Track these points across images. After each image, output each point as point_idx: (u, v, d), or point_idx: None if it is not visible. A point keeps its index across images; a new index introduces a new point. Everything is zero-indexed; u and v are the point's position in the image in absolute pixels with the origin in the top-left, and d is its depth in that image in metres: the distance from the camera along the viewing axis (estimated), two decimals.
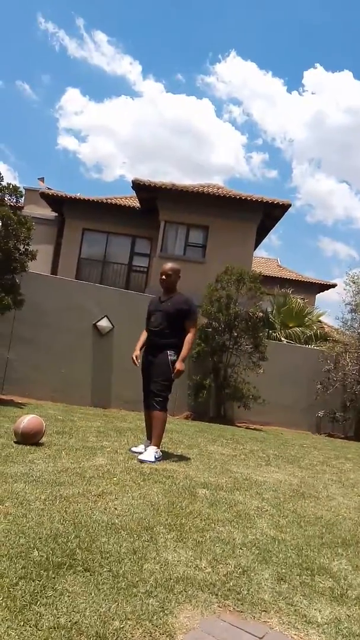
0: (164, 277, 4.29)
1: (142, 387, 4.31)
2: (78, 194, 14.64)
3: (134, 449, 4.19)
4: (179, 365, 4.05)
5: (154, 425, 4.10)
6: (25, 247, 6.19)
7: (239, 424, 8.44)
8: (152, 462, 3.82)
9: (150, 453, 3.91)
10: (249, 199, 13.00)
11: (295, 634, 1.66)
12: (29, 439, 3.82)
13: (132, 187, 13.06)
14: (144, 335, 4.37)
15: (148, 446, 4.10)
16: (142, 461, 3.79)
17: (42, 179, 16.64)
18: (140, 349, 4.32)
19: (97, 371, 7.85)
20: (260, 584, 1.97)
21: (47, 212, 15.08)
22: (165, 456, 4.19)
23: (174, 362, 4.07)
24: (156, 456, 3.92)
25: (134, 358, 4.27)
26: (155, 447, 4.00)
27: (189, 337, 4.15)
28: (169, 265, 4.38)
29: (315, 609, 1.84)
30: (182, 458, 4.25)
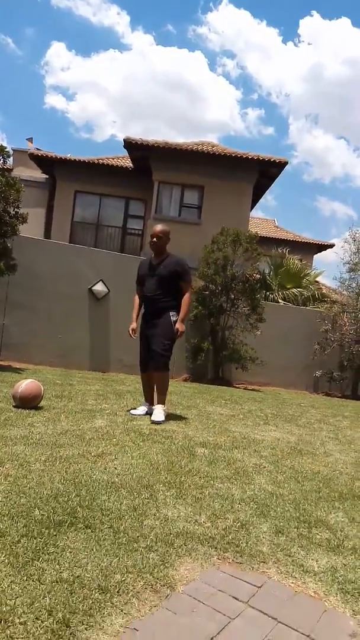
0: (154, 239, 4.22)
1: (139, 350, 4.30)
2: (69, 155, 14.21)
3: (133, 411, 4.22)
4: (179, 326, 4.08)
5: (161, 385, 4.17)
6: (15, 209, 6.04)
7: (237, 385, 8.53)
8: (164, 421, 3.97)
9: (160, 413, 4.02)
10: (244, 157, 12.66)
11: (292, 583, 1.70)
12: (28, 402, 3.83)
13: (124, 146, 12.67)
14: (137, 302, 4.34)
15: (149, 407, 4.18)
16: (156, 422, 3.88)
17: (30, 140, 16.10)
18: (137, 319, 4.31)
19: (95, 335, 7.84)
20: (259, 537, 2.00)
21: (37, 174, 14.69)
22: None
23: (175, 322, 4.11)
24: (165, 414, 4.06)
25: (130, 331, 4.27)
26: (163, 406, 4.11)
27: (185, 298, 4.16)
28: (158, 227, 4.31)
29: (312, 559, 1.88)
30: (180, 418, 4.29)
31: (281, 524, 2.17)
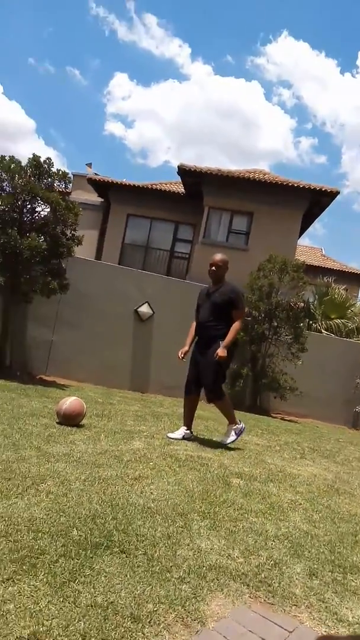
0: (213, 268, 4.31)
1: (185, 374, 4.42)
2: (124, 180, 14.73)
3: (170, 434, 4.27)
4: (220, 352, 4.08)
5: (222, 411, 4.37)
6: (72, 232, 6.33)
7: (274, 415, 8.39)
8: (234, 439, 4.28)
9: (230, 434, 4.30)
10: (295, 185, 12.68)
11: (325, 631, 1.67)
12: (71, 420, 3.96)
13: (178, 172, 13.00)
14: (192, 329, 4.43)
15: (186, 432, 4.33)
16: (225, 444, 4.23)
17: (89, 165, 16.85)
18: (190, 344, 4.40)
19: (137, 356, 7.98)
20: (292, 578, 1.98)
21: (93, 197, 15.28)
22: (200, 443, 4.25)
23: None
24: (236, 432, 4.30)
25: (180, 354, 4.35)
26: (231, 425, 4.32)
27: (234, 325, 4.19)
28: (218, 256, 4.38)
29: (346, 607, 1.84)
30: (217, 446, 4.28)
31: (315, 566, 2.13)
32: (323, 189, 12.61)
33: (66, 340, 7.52)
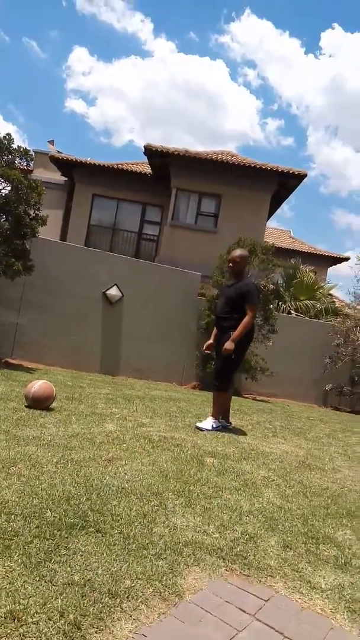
0: (231, 264, 4.40)
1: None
2: (88, 159, 14.38)
3: (198, 424, 4.34)
4: (227, 345, 4.12)
5: (214, 401, 4.40)
6: (36, 212, 6.13)
7: (246, 395, 8.51)
8: (208, 430, 4.20)
9: (207, 422, 4.29)
10: (263, 167, 12.69)
11: (299, 598, 1.71)
12: (40, 403, 3.88)
13: (144, 152, 12.78)
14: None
15: (223, 423, 4.43)
16: (198, 428, 4.19)
17: (51, 142, 16.33)
18: (215, 338, 4.48)
19: (106, 339, 7.89)
20: (267, 550, 2.01)
21: (57, 177, 14.85)
22: (173, 424, 4.26)
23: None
24: (214, 426, 4.26)
25: (204, 347, 4.53)
26: (213, 418, 4.33)
27: (245, 319, 4.20)
28: (237, 252, 4.45)
29: (319, 576, 1.89)
30: (189, 426, 4.30)
31: (289, 538, 2.18)
32: (290, 172, 12.68)
33: (33, 323, 7.35)
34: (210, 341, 4.47)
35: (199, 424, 4.26)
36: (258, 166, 12.72)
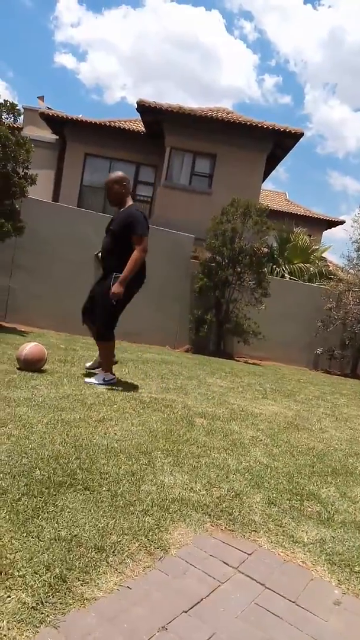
0: (107, 191, 3.86)
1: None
2: (80, 116, 13.88)
3: (87, 363, 4.24)
4: (114, 288, 3.62)
5: (101, 354, 4.00)
6: (25, 170, 5.96)
7: (238, 359, 8.58)
8: (99, 384, 3.78)
9: (98, 377, 3.89)
10: (259, 125, 12.33)
11: (282, 552, 1.76)
12: (31, 365, 3.88)
13: (137, 109, 12.34)
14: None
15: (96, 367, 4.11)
16: (88, 383, 3.75)
17: (41, 98, 15.71)
18: None
19: None
20: (252, 507, 2.07)
21: (48, 135, 14.38)
22: (164, 386, 4.29)
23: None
24: (106, 379, 3.85)
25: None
26: (104, 372, 3.92)
27: (133, 255, 3.65)
28: (111, 175, 3.86)
29: (302, 531, 1.94)
30: (180, 388, 4.34)
31: (274, 495, 2.23)
32: (287, 130, 12.34)
33: (25, 286, 7.28)
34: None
35: (87, 379, 3.83)
36: (254, 124, 12.36)
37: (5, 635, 1.12)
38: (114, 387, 3.80)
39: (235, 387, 5.07)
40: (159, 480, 2.15)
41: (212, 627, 1.30)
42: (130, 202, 3.87)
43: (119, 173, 3.91)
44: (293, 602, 1.49)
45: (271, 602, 1.47)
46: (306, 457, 2.92)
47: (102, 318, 3.87)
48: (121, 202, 3.85)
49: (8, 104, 5.91)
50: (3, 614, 1.17)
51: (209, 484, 2.22)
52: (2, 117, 5.92)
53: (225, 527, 1.86)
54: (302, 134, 12.50)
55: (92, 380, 3.84)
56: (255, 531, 1.87)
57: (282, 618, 1.40)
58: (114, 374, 3.99)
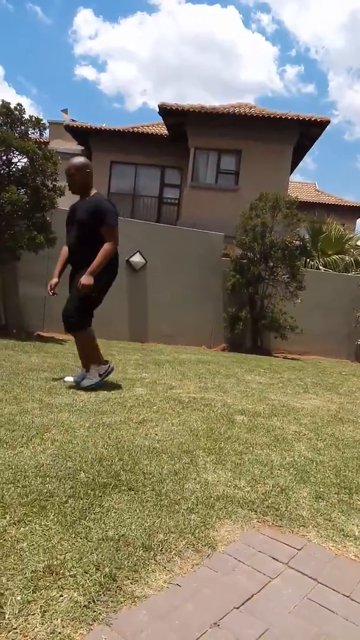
0: (68, 178, 3.58)
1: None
2: (104, 125, 14.10)
3: (66, 378, 3.77)
4: (83, 280, 3.41)
5: (79, 348, 3.74)
6: (53, 182, 6.09)
7: (276, 355, 8.47)
8: (97, 382, 3.62)
9: (91, 374, 3.66)
10: (284, 117, 12.14)
11: (332, 546, 1.72)
12: None
13: (159, 112, 12.41)
14: (62, 256, 3.76)
15: (82, 375, 3.71)
16: (83, 388, 3.54)
17: (65, 111, 16.01)
18: (60, 274, 3.78)
19: (133, 306, 7.93)
20: (299, 502, 2.03)
21: (73, 146, 14.67)
22: (202, 386, 4.28)
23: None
24: (100, 372, 3.67)
25: (49, 288, 3.73)
26: (95, 367, 3.68)
27: (106, 247, 3.49)
28: (72, 161, 3.60)
29: (352, 524, 1.89)
30: (219, 387, 4.32)
31: (321, 489, 2.18)
32: (312, 119, 12.11)
33: (60, 296, 7.40)
34: (54, 280, 3.72)
35: (83, 383, 3.59)
36: (278, 116, 12.19)
37: (60, 633, 1.14)
38: (152, 390, 3.82)
39: (274, 383, 5.00)
40: (203, 478, 2.14)
41: (264, 622, 1.28)
42: (94, 190, 3.68)
43: (81, 158, 3.69)
44: (347, 596, 1.45)
45: (324, 597, 1.43)
46: (353, 450, 2.84)
47: (74, 301, 3.58)
48: (86, 190, 3.63)
49: (33, 119, 6.07)
50: (57, 612, 1.20)
51: (254, 480, 2.19)
52: (29, 132, 6.08)
53: (273, 523, 1.83)
54: (328, 122, 12.23)
55: (86, 382, 3.60)
56: (304, 526, 1.84)
57: (336, 613, 1.36)
58: (106, 361, 3.76)
